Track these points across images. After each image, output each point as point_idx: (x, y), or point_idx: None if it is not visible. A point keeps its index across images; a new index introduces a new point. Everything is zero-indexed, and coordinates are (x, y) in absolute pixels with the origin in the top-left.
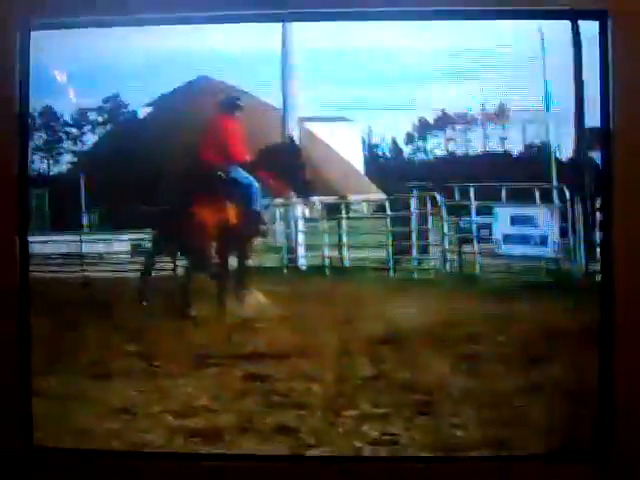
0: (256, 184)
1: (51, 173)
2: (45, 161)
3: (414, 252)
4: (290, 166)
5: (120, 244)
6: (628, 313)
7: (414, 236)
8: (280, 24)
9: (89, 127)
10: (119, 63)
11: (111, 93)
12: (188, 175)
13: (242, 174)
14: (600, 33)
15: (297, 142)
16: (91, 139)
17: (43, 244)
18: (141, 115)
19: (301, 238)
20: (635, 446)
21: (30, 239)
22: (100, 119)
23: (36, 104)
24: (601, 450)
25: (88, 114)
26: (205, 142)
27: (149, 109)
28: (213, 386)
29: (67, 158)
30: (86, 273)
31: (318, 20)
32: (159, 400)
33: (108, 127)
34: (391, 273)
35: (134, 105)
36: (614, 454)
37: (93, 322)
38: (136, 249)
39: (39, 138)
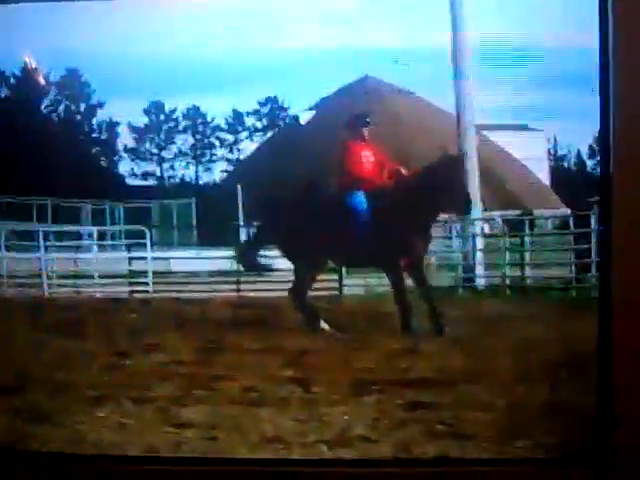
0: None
1: (200, 182)
2: (191, 168)
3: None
4: (454, 181)
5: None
6: (626, 321)
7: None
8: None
9: (246, 133)
10: (277, 60)
11: (269, 94)
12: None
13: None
14: None
15: (467, 153)
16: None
17: (187, 260)
18: (303, 120)
19: (479, 256)
20: (634, 451)
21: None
22: (258, 124)
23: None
24: (600, 455)
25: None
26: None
27: (311, 113)
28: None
29: (220, 166)
30: (241, 292)
31: None
32: (314, 429)
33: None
34: (573, 293)
35: (295, 108)
36: (613, 459)
37: (248, 343)
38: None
39: (184, 142)
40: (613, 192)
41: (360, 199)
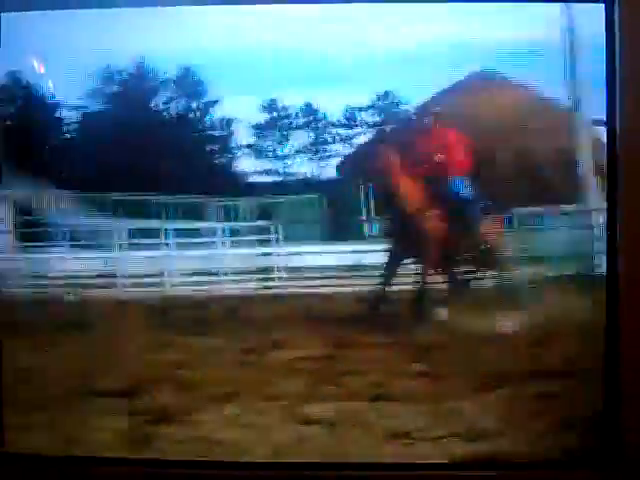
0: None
1: (322, 177)
2: (315, 163)
3: None
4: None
5: None
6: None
7: None
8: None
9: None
10: (388, 53)
11: (382, 90)
12: None
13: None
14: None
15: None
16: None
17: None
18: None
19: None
20: None
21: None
22: (371, 120)
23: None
24: (609, 457)
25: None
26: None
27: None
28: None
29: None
30: (366, 287)
31: None
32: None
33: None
34: None
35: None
36: (623, 460)
37: (375, 338)
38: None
39: (306, 137)
40: None
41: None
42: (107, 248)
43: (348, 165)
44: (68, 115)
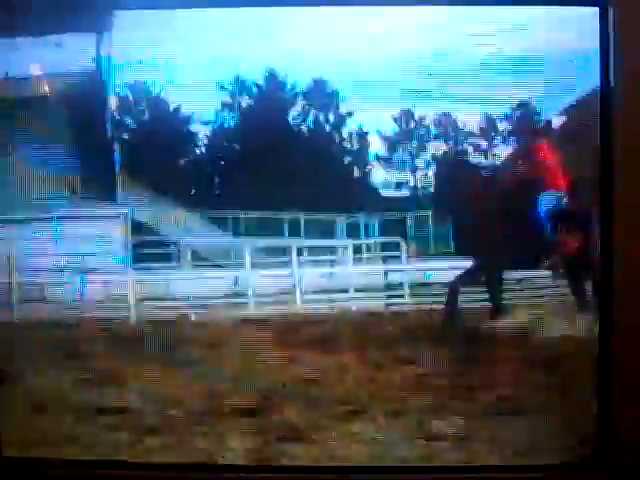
0: None
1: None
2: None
3: None
4: None
5: None
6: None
7: None
8: None
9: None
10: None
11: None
12: None
13: None
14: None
15: None
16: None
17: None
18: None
19: None
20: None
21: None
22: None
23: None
24: (603, 460)
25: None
26: None
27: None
28: None
29: None
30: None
31: None
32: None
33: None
34: None
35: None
36: (616, 464)
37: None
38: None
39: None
40: None
41: None
42: (237, 267)
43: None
44: (196, 129)
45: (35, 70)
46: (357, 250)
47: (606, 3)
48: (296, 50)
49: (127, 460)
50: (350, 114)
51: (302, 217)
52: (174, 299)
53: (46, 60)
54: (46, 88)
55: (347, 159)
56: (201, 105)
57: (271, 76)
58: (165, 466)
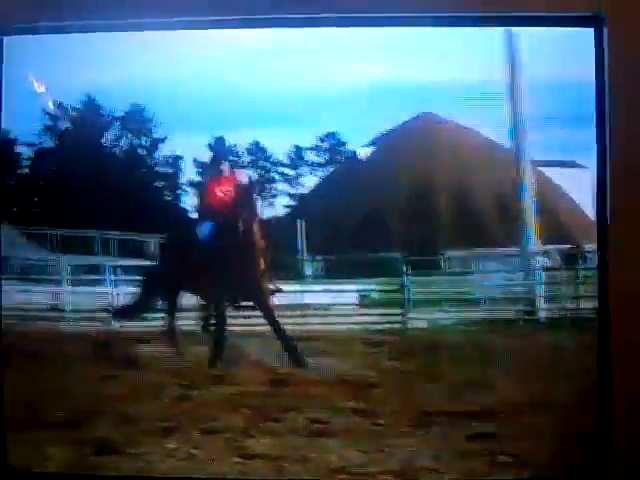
0: None
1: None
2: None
3: None
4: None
5: (345, 295)
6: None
7: None
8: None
9: (307, 168)
10: (335, 96)
11: (327, 131)
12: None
13: None
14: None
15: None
16: (308, 181)
17: None
18: (361, 156)
19: (540, 289)
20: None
21: None
22: (319, 159)
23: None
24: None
25: (303, 153)
26: None
27: (370, 149)
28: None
29: (282, 201)
30: (309, 326)
31: None
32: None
33: (327, 169)
34: None
35: (353, 144)
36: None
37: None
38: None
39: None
40: None
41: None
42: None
43: None
44: (20, 151)
45: None
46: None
47: (601, 24)
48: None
49: None
50: (163, 140)
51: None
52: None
53: None
54: None
55: (160, 182)
56: (24, 127)
57: (90, 101)
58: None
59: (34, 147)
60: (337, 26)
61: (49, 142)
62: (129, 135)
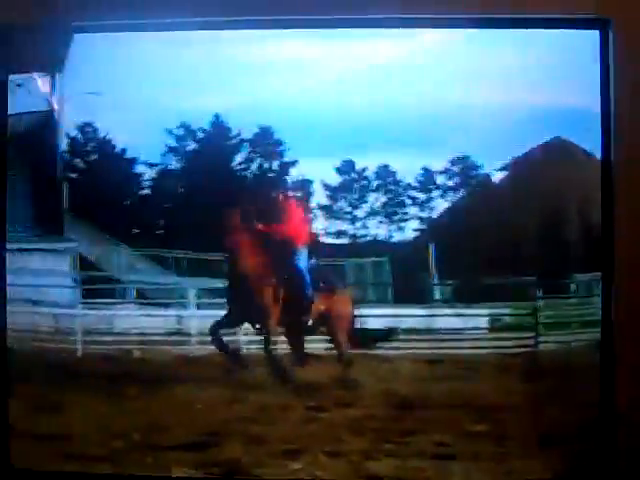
0: None
1: (392, 240)
2: (384, 226)
3: None
4: None
5: (476, 319)
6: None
7: None
8: None
9: (438, 192)
10: (466, 118)
11: (460, 154)
12: None
13: None
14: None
15: None
16: (440, 205)
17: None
18: (493, 180)
19: None
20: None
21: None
22: (450, 183)
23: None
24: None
25: (435, 177)
26: None
27: (501, 173)
28: None
29: (412, 225)
30: (439, 350)
31: None
32: None
33: (459, 192)
34: None
35: (487, 168)
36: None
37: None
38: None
39: (376, 200)
40: None
41: None
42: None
43: None
44: (142, 171)
45: None
46: None
47: (607, 26)
48: (242, 97)
49: None
50: (293, 163)
51: None
52: (118, 334)
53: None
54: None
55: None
56: (147, 148)
57: (217, 122)
58: None
59: (156, 167)
60: None
61: (174, 163)
62: (258, 158)
